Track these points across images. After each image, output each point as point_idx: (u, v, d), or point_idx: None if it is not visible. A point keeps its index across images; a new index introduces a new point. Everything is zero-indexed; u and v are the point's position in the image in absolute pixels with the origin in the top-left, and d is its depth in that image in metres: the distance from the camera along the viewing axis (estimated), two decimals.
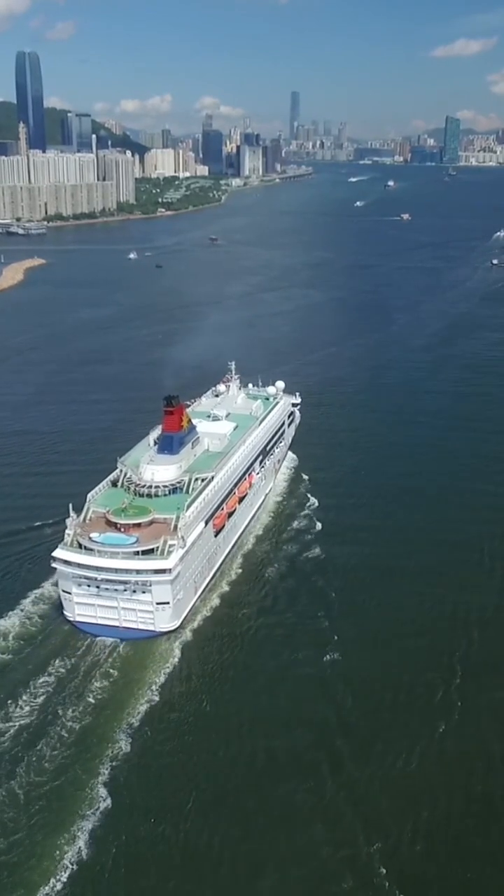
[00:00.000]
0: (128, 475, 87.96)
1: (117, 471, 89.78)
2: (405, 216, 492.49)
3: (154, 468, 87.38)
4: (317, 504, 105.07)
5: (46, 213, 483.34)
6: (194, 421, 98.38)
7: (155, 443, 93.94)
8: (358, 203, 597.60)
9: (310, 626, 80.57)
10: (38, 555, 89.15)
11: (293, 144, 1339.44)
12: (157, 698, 69.85)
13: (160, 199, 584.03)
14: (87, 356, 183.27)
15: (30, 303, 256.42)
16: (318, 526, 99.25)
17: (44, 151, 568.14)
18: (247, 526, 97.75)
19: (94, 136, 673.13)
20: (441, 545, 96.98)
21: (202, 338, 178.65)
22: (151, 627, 77.51)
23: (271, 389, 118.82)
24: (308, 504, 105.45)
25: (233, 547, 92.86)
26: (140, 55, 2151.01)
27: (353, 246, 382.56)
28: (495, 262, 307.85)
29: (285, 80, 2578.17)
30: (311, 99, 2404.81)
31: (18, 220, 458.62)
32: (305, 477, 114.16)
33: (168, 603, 76.73)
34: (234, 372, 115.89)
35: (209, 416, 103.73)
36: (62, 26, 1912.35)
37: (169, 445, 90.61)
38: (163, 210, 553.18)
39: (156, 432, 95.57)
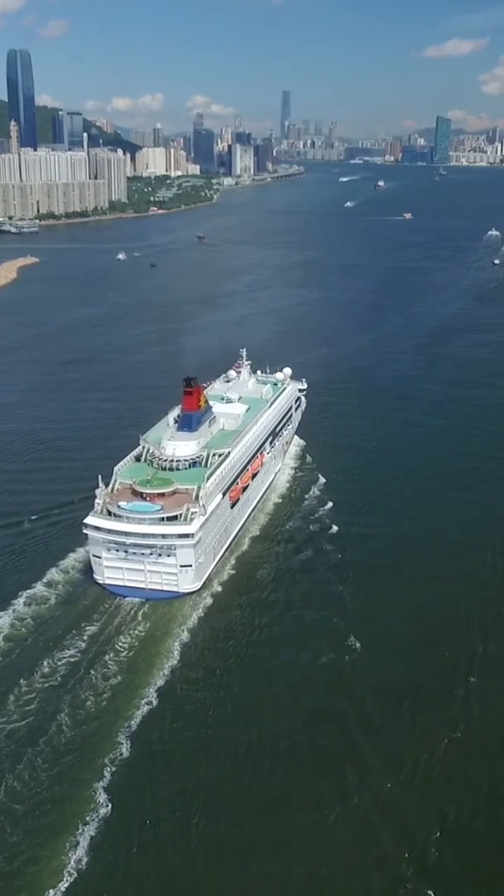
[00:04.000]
0: (150, 451, 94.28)
1: (140, 447, 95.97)
2: (406, 215, 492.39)
3: (175, 444, 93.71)
4: (324, 482, 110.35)
5: (38, 211, 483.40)
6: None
7: (175, 421, 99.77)
8: (348, 203, 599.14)
9: (321, 592, 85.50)
10: (68, 526, 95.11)
11: (284, 144, 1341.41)
12: (179, 657, 73.93)
13: (152, 198, 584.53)
14: (85, 353, 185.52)
15: (25, 301, 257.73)
16: (327, 501, 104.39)
17: (35, 149, 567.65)
18: (259, 500, 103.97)
19: (85, 134, 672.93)
20: (443, 515, 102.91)
21: (197, 336, 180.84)
22: (175, 588, 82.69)
23: (279, 375, 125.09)
24: (315, 482, 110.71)
25: (247, 519, 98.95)
26: (132, 54, 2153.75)
27: (345, 245, 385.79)
28: (496, 261, 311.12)
29: (276, 79, 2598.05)
30: (302, 98, 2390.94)
31: (10, 218, 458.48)
32: (311, 458, 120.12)
33: (191, 566, 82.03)
34: (245, 358, 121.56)
35: (223, 399, 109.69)
36: (55, 24, 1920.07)
37: (188, 423, 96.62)
38: (155, 209, 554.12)
39: (175, 412, 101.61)
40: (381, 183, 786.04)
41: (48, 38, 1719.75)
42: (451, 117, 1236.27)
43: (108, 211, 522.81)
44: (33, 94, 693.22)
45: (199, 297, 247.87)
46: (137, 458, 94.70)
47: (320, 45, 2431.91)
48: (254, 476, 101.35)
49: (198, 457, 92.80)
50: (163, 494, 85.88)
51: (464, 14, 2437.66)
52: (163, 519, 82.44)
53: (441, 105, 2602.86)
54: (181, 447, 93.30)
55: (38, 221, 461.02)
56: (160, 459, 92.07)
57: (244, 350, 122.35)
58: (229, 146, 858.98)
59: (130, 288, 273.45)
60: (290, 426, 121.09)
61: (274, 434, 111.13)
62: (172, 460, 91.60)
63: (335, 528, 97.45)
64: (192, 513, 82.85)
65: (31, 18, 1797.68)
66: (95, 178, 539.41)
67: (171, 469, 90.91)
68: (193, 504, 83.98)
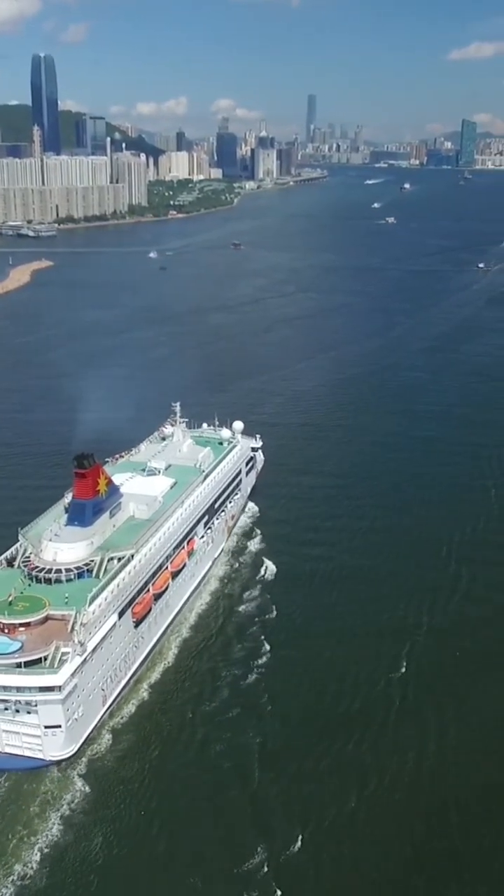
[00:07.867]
0: (27, 552, 73.22)
1: (16, 545, 74.84)
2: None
3: (57, 546, 72.48)
4: (274, 570, 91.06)
5: (58, 215, 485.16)
6: (123, 477, 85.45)
7: (66, 510, 78.60)
8: (375, 204, 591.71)
9: (261, 738, 65.90)
10: None
11: (309, 147, 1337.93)
12: (40, 863, 55.22)
13: (172, 202, 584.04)
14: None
15: (36, 303, 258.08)
16: (276, 601, 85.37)
17: (58, 154, 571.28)
18: (185, 604, 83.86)
19: (108, 138, 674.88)
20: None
21: (203, 337, 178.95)
22: (39, 755, 63.15)
23: (226, 433, 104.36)
24: (263, 572, 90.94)
25: (164, 633, 79.06)
26: (155, 58, 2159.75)
27: (364, 249, 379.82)
28: (481, 265, 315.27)
29: (302, 83, 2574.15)
30: (327, 102, 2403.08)
31: (29, 222, 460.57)
32: (260, 533, 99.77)
33: (59, 726, 62.54)
34: (178, 414, 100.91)
35: (144, 470, 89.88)
36: (75, 28, 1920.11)
37: (80, 515, 75.03)
38: (174, 213, 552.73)
39: (70, 496, 79.09)
40: (406, 186, 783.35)
41: (70, 44, 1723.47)
42: (476, 121, 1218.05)
43: (127, 215, 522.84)
44: (56, 98, 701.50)
45: (208, 303, 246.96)
46: (10, 562, 72.88)
47: (344, 48, 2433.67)
48: (176, 574, 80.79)
49: (88, 563, 71.33)
50: (27, 624, 64.44)
51: (485, 18, 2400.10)
52: (20, 664, 61.49)
53: (467, 108, 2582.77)
54: (65, 550, 71.76)
55: (56, 225, 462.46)
56: (36, 567, 70.30)
57: (178, 404, 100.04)
58: (252, 150, 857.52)
59: (138, 292, 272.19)
60: (237, 496, 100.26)
61: (211, 512, 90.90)
62: (51, 569, 69.93)
63: (267, 647, 77.10)
64: (63, 654, 62.40)
65: (50, 23, 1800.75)
66: (116, 182, 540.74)
67: (47, 581, 69.08)
68: (66, 640, 63.37)
